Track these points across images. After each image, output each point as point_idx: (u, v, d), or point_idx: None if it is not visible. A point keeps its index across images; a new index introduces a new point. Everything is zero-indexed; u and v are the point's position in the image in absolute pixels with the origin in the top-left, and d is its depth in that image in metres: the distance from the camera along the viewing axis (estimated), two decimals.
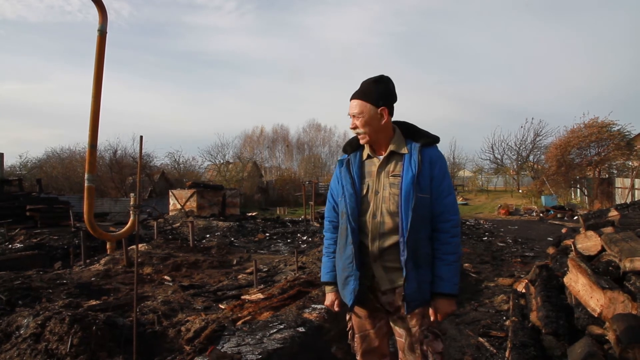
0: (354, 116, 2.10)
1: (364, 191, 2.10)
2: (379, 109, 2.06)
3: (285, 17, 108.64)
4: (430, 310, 2.03)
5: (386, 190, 2.05)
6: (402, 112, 2.28)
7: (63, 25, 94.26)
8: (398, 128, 2.17)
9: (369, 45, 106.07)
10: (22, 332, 3.69)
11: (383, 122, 2.08)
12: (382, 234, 2.02)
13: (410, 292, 1.98)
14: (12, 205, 17.62)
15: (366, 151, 2.19)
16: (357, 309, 2.20)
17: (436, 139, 2.13)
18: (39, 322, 3.67)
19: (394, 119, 2.18)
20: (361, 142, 2.15)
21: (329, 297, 2.28)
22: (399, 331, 2.13)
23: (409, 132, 2.16)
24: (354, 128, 2.12)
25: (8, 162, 32.41)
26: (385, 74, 2.14)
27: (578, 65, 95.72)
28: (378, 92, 2.08)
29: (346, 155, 2.24)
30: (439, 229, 2.04)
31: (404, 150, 2.08)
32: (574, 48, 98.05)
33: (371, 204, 2.07)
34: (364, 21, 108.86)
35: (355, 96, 2.12)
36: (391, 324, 2.17)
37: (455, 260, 2.03)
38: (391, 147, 2.10)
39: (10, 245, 11.62)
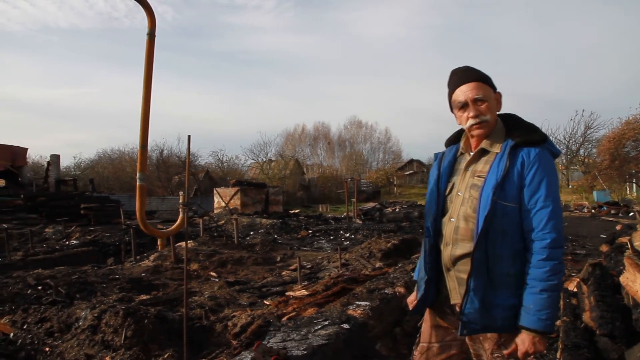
0: (475, 101, 1.79)
1: (448, 190, 1.88)
2: (496, 95, 1.84)
3: (323, 13, 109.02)
4: (513, 345, 1.72)
5: (467, 191, 1.80)
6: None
7: (111, 31, 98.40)
8: (501, 122, 1.86)
9: (407, 39, 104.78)
10: (80, 323, 3.91)
11: (498, 110, 1.85)
12: (456, 240, 1.80)
13: (469, 311, 1.74)
14: (68, 204, 18.68)
15: (462, 146, 1.94)
16: (427, 317, 2.01)
17: (539, 138, 1.76)
18: (96, 315, 3.87)
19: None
20: (476, 133, 1.82)
21: (411, 295, 2.11)
22: (472, 352, 1.88)
23: (511, 126, 1.83)
24: (476, 116, 1.79)
25: (64, 163, 34.18)
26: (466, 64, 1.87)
27: (632, 54, 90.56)
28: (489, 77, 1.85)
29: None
30: (529, 248, 1.69)
31: (496, 149, 1.78)
32: (626, 36, 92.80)
33: (451, 205, 1.85)
34: (402, 15, 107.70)
35: (471, 78, 1.81)
36: (467, 341, 1.89)
37: (546, 289, 1.65)
38: (483, 144, 1.82)
39: (67, 242, 12.28)
